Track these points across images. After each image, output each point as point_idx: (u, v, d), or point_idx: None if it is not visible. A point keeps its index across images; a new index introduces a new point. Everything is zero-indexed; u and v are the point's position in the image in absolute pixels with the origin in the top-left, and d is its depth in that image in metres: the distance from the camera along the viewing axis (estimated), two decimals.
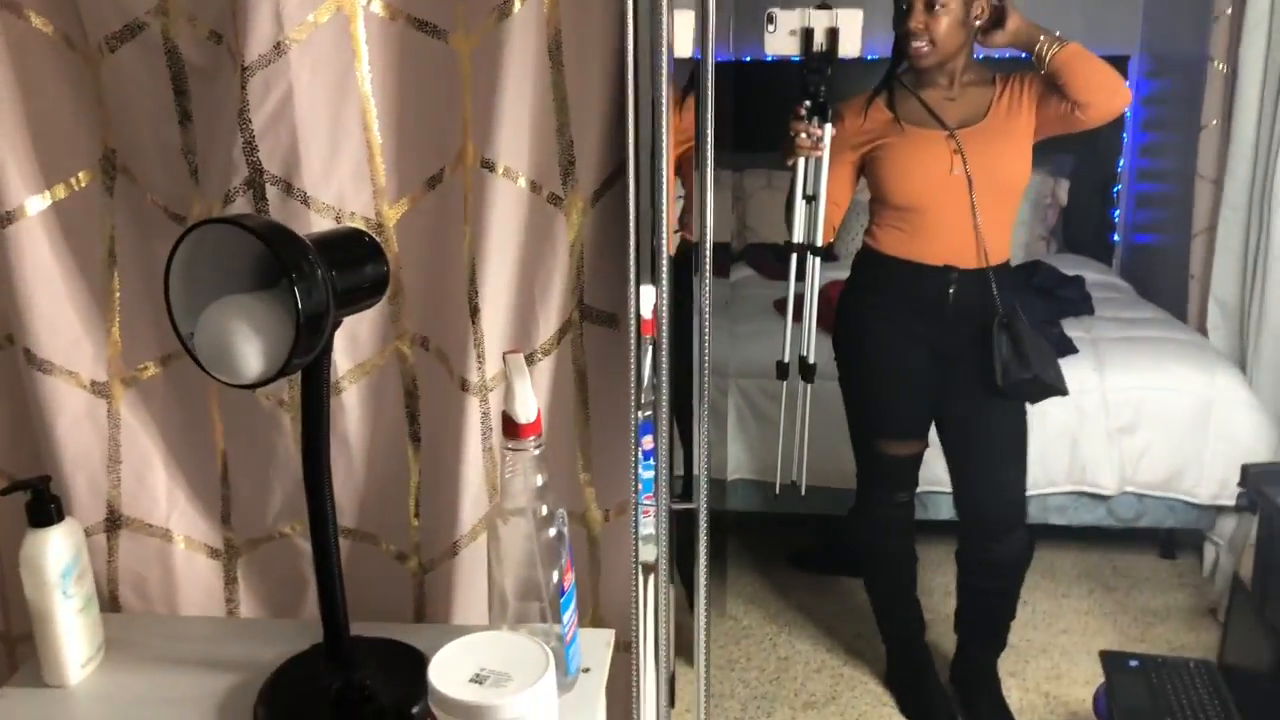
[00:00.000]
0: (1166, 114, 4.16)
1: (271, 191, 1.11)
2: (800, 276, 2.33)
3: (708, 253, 1.20)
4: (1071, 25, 4.23)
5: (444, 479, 1.21)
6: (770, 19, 2.06)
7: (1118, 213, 4.48)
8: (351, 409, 1.20)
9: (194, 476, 1.27)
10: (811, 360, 2.38)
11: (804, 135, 2.14)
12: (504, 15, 1.07)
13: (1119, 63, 4.30)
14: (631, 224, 1.12)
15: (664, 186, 1.13)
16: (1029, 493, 3.02)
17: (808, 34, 2.06)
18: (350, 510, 1.25)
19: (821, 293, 2.78)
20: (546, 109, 1.12)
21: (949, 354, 2.29)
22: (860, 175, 2.30)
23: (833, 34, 2.05)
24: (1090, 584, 3.13)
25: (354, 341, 1.18)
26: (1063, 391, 2.26)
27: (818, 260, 2.29)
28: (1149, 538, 3.28)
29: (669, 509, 1.22)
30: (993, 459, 2.36)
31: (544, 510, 1.05)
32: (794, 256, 2.32)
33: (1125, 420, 2.99)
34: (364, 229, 1.09)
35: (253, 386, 0.88)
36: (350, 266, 0.94)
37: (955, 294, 2.22)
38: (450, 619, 1.25)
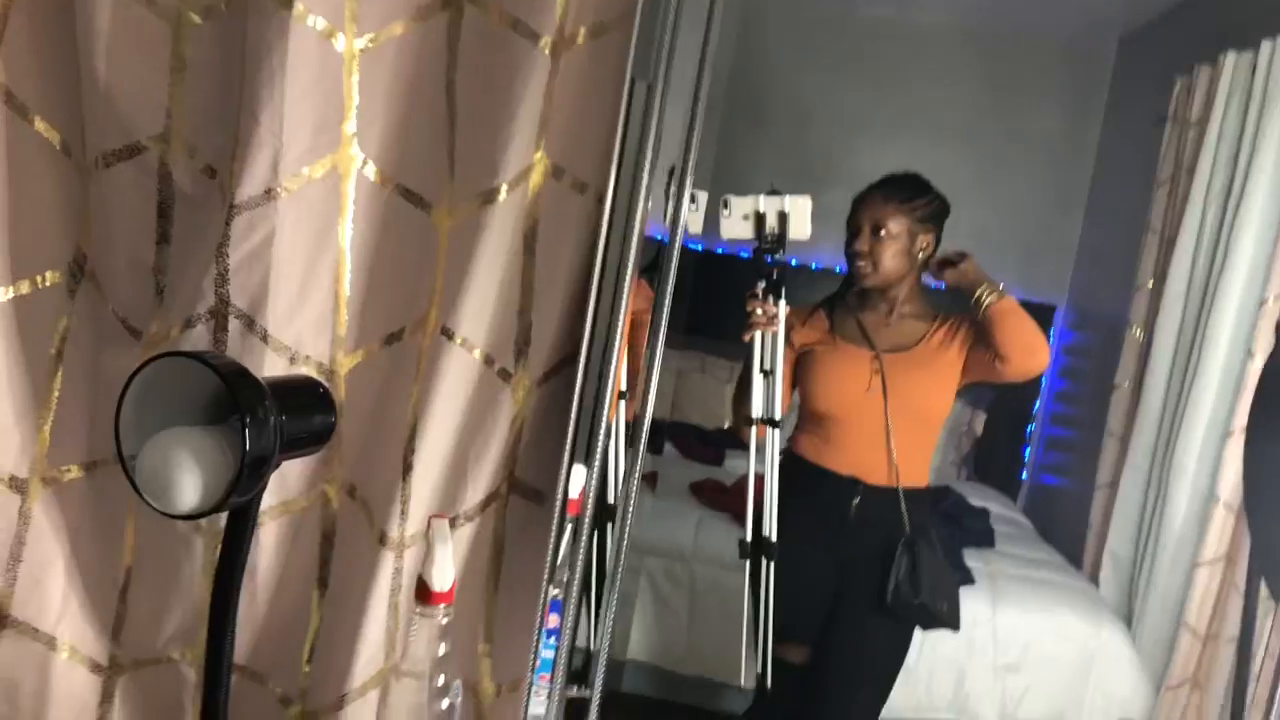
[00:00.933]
0: (1084, 366, 4.38)
1: (233, 325, 1.14)
2: (760, 452, 2.34)
3: (644, 433, 1.25)
4: (1007, 269, 4.54)
5: (344, 629, 1.21)
6: (725, 204, 2.18)
7: (1028, 451, 4.65)
8: (265, 544, 1.21)
9: (93, 587, 1.25)
10: (774, 539, 2.30)
11: (760, 312, 2.23)
12: (488, 201, 1.14)
13: (1046, 312, 4.55)
14: (574, 409, 1.17)
15: (611, 376, 1.19)
16: (913, 717, 3.05)
17: (760, 218, 2.18)
18: (244, 645, 1.24)
19: (722, 485, 2.83)
20: (512, 290, 1.18)
21: (849, 565, 2.32)
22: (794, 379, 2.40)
23: (783, 218, 2.17)
24: None
25: (282, 479, 1.20)
26: (953, 627, 2.29)
27: (777, 433, 2.31)
28: None
29: (562, 692, 1.23)
30: (858, 678, 2.34)
31: (441, 680, 1.06)
32: (753, 430, 2.33)
33: (1012, 658, 3.05)
34: (319, 379, 1.12)
35: (184, 518, 0.89)
36: (300, 413, 0.97)
37: (859, 506, 2.29)
38: None
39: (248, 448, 0.87)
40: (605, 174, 1.14)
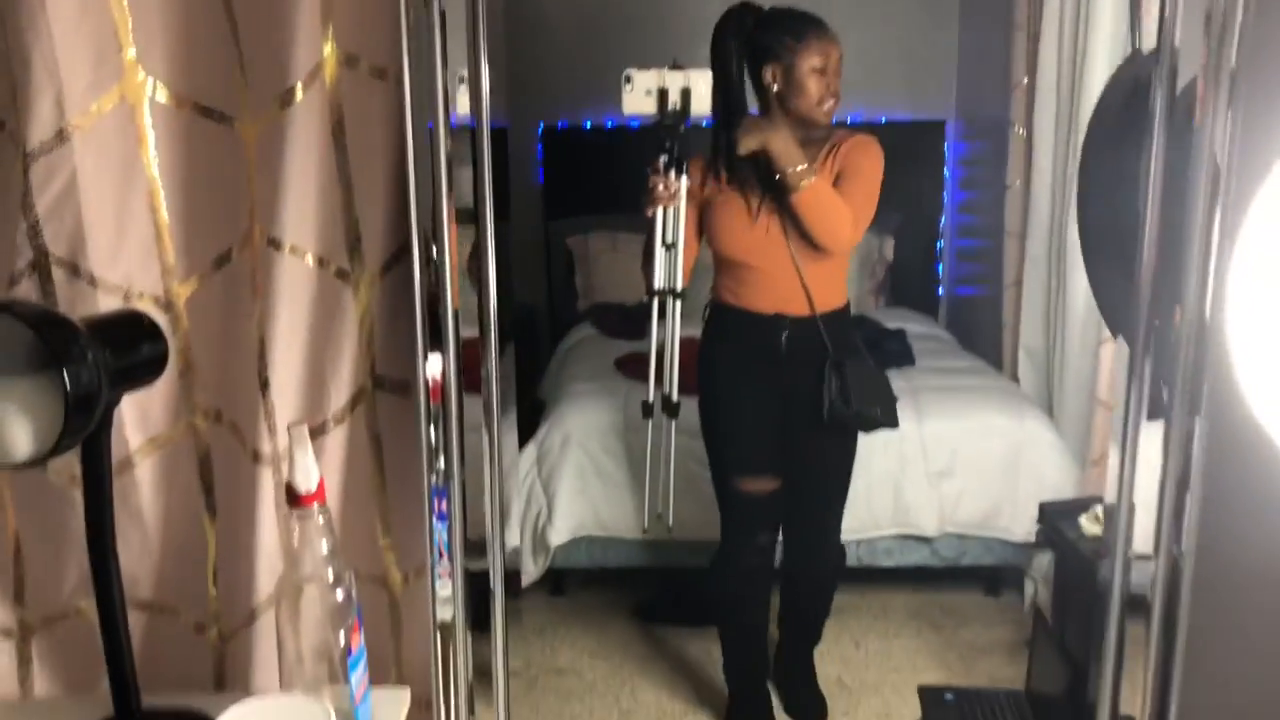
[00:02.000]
0: (979, 174, 4.43)
1: (57, 273, 1.14)
2: (662, 319, 2.45)
3: (492, 311, 1.26)
4: (891, 89, 4.54)
5: (240, 548, 1.24)
6: (628, 79, 2.18)
7: (941, 267, 4.73)
8: (145, 483, 1.22)
9: None
10: (675, 399, 2.50)
11: (661, 188, 2.28)
12: (286, 103, 1.13)
13: (935, 129, 4.59)
14: (416, 295, 1.18)
15: (447, 253, 1.20)
16: (858, 536, 3.17)
17: (663, 94, 2.18)
18: (147, 583, 1.26)
19: (645, 357, 2.88)
20: (331, 188, 1.17)
21: (787, 394, 2.48)
22: (700, 230, 2.47)
23: (686, 94, 2.18)
24: (919, 623, 3.27)
25: (146, 416, 1.21)
26: (891, 425, 2.48)
27: (679, 303, 2.41)
28: (974, 576, 3.43)
29: (464, 570, 1.27)
30: (819, 482, 2.60)
31: (331, 574, 1.09)
32: (655, 301, 2.45)
33: (943, 464, 3.16)
34: (141, 310, 1.12)
35: (24, 466, 0.91)
36: (126, 347, 0.98)
37: (788, 339, 2.41)
38: (250, 688, 1.26)
39: (69, 388, 0.88)
40: (399, 54, 1.13)
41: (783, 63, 2.34)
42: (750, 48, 2.35)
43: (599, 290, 4.46)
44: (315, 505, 1.06)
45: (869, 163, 2.39)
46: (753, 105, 2.43)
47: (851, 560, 3.22)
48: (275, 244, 1.16)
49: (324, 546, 1.08)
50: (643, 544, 3.24)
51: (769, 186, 2.36)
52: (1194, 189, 1.14)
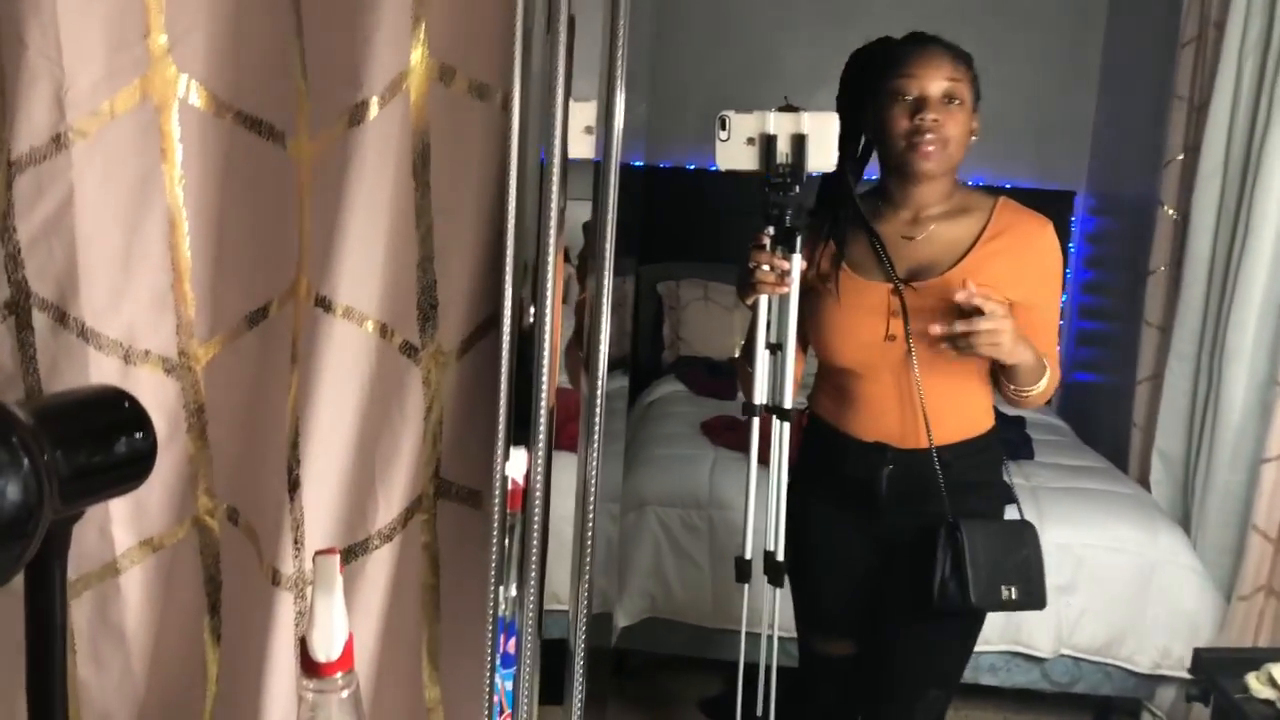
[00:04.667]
0: (1112, 253, 4.10)
1: (39, 320, 0.87)
2: (764, 447, 1.81)
3: (600, 394, 0.95)
4: (1022, 158, 4.22)
5: (245, 691, 0.95)
6: (723, 124, 1.65)
7: (1060, 350, 4.37)
8: (132, 595, 0.95)
9: None
10: (780, 557, 1.82)
11: (766, 268, 1.69)
12: (357, 120, 0.86)
13: (1065, 199, 4.27)
14: (503, 382, 0.89)
15: (546, 333, 0.90)
16: None
17: (769, 143, 1.64)
18: (125, 718, 0.98)
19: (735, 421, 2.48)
20: (406, 238, 0.90)
21: (888, 548, 1.87)
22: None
23: (799, 142, 1.64)
24: None
25: (141, 511, 0.94)
26: (1036, 607, 1.79)
27: (785, 427, 1.79)
28: (1083, 704, 3.07)
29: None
30: (919, 682, 1.93)
31: None
32: (755, 423, 1.81)
33: (1064, 578, 2.80)
34: (123, 390, 0.84)
35: None
36: (89, 441, 0.70)
37: (889, 477, 1.80)
38: None
39: None
40: (510, 70, 0.85)
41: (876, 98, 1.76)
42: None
43: (687, 343, 4.19)
44: (339, 674, 0.77)
45: (1053, 272, 1.79)
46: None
47: None
48: (325, 304, 0.88)
49: None
50: (716, 633, 2.93)
51: (908, 270, 1.77)
52: None
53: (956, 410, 1.78)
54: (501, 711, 1.01)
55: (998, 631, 2.82)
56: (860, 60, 1.80)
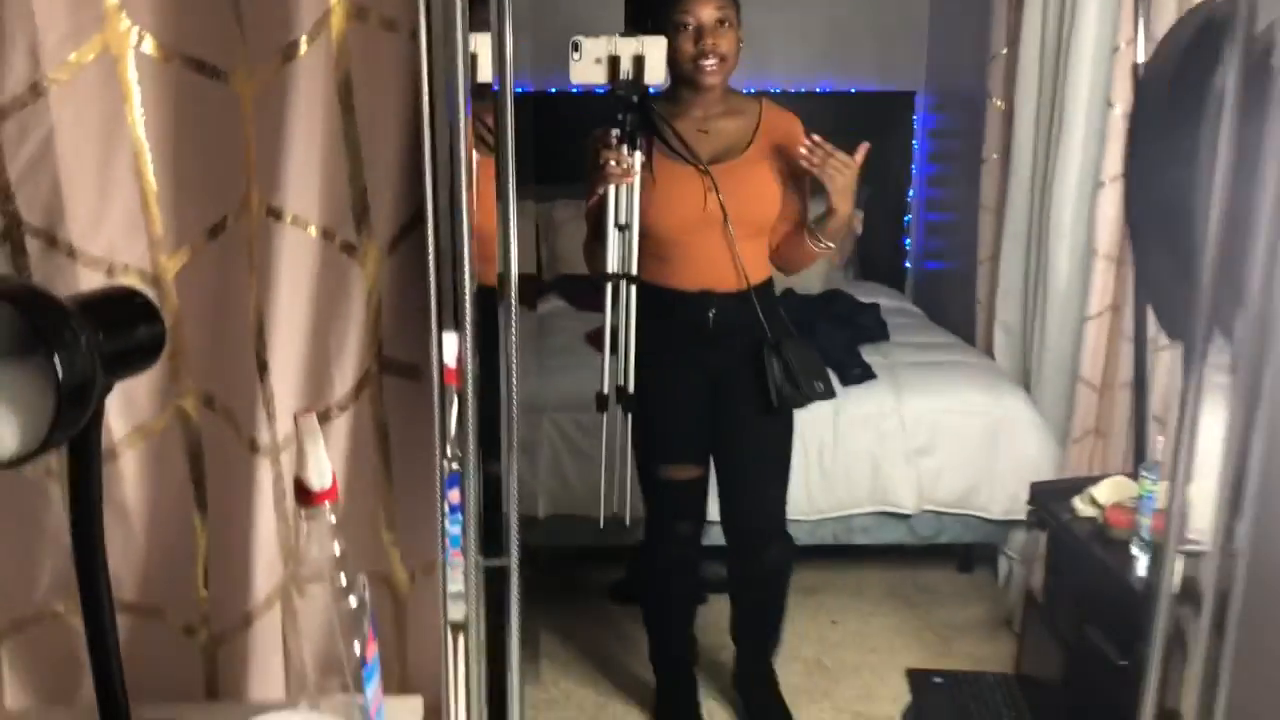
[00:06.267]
0: (951, 147, 4.39)
1: (32, 244, 1.02)
2: (615, 306, 2.27)
3: (513, 287, 1.15)
4: (861, 61, 4.47)
5: (234, 546, 1.13)
6: (575, 47, 2.04)
7: (909, 241, 4.69)
8: (130, 476, 1.11)
9: None
10: (631, 390, 2.31)
11: (614, 163, 2.11)
12: (289, 57, 1.02)
13: (905, 99, 4.53)
14: (431, 270, 1.08)
15: (465, 228, 1.09)
16: (835, 514, 3.13)
17: (614, 62, 2.03)
18: (131, 583, 1.16)
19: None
20: (338, 154, 1.07)
21: (719, 376, 2.36)
22: None
23: (639, 61, 2.03)
24: (895, 601, 3.24)
25: (130, 403, 1.10)
26: (830, 396, 2.37)
27: (633, 289, 2.24)
28: (948, 554, 3.42)
29: (479, 565, 1.18)
30: (762, 475, 2.44)
31: (343, 579, 0.99)
32: (608, 286, 2.26)
33: (922, 442, 3.12)
34: (136, 287, 1.01)
35: (9, 466, 0.80)
36: (120, 329, 0.86)
37: (715, 316, 2.30)
38: (246, 695, 1.17)
39: (61, 376, 0.77)
40: (415, 5, 1.03)
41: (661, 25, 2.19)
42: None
43: (564, 261, 4.35)
44: (328, 504, 0.96)
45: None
46: None
47: (827, 538, 3.19)
48: (275, 214, 1.05)
49: (335, 549, 0.99)
50: (616, 523, 3.17)
51: (709, 156, 2.25)
52: (1268, 157, 1.08)
53: (756, 259, 2.30)
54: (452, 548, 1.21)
55: (866, 493, 3.13)
56: None
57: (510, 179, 1.11)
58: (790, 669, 2.85)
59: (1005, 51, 3.40)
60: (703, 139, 2.25)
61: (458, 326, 1.11)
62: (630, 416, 2.30)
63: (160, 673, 1.16)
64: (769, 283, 2.37)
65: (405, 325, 1.13)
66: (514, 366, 1.19)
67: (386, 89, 1.06)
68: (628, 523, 2.44)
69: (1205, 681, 1.27)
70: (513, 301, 1.15)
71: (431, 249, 1.07)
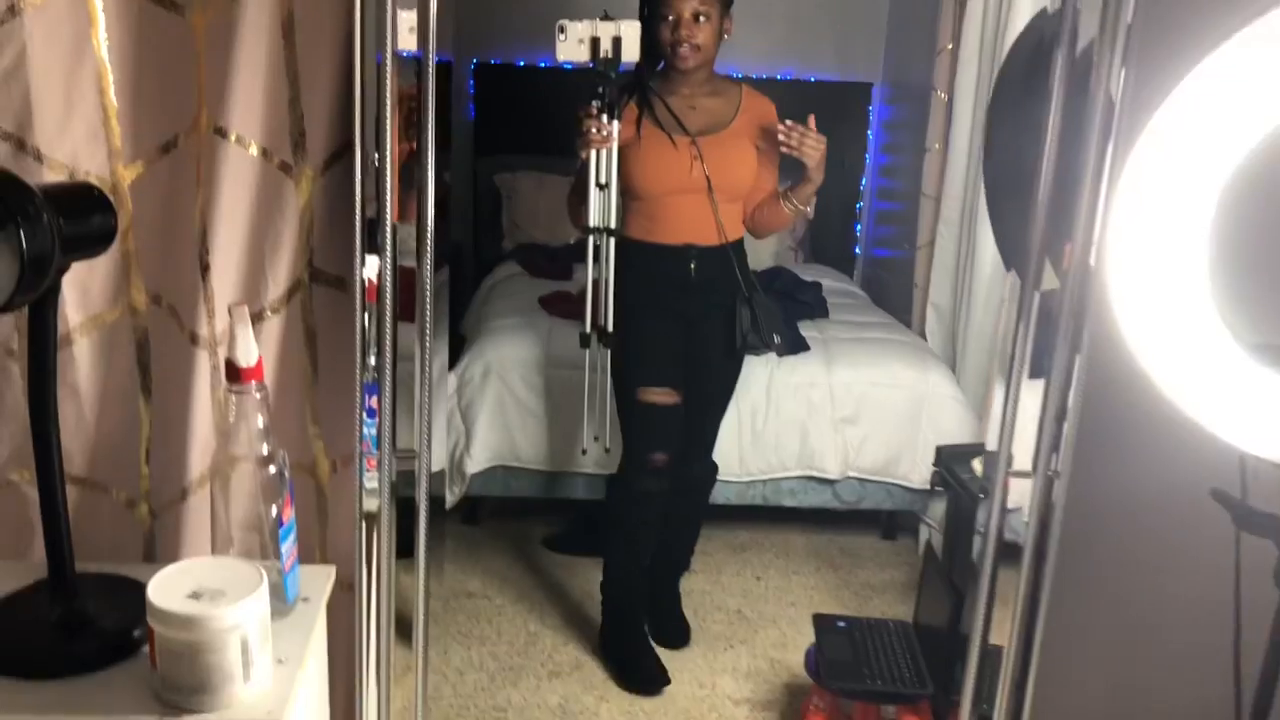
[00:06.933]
0: (902, 138, 4.55)
1: (3, 147, 1.17)
2: (597, 258, 2.57)
3: (429, 232, 1.30)
4: (822, 53, 4.63)
5: (174, 428, 1.28)
6: (562, 29, 2.34)
7: (859, 227, 4.86)
8: (83, 361, 1.26)
9: None
10: (610, 329, 2.62)
11: (595, 130, 2.40)
12: None
13: (863, 91, 4.69)
14: (357, 193, 1.23)
15: (388, 162, 1.24)
16: (765, 476, 3.29)
17: (595, 42, 2.34)
18: (81, 459, 1.30)
19: (569, 295, 2.99)
20: (279, 82, 1.22)
21: (693, 320, 2.66)
22: None
23: (617, 42, 2.34)
24: (818, 562, 3.41)
25: (86, 295, 1.24)
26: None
27: (612, 241, 2.54)
28: (872, 520, 3.59)
29: (392, 461, 1.33)
30: (711, 405, 2.82)
31: (265, 450, 1.14)
32: (590, 239, 2.56)
33: (849, 412, 3.28)
34: (92, 183, 1.15)
35: None
36: (78, 215, 1.01)
37: (696, 267, 2.60)
38: (178, 560, 1.31)
39: (24, 246, 0.92)
40: None
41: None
42: None
43: (525, 230, 4.49)
44: (253, 382, 1.11)
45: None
46: None
47: (757, 499, 3.35)
48: (221, 132, 1.20)
49: (259, 423, 1.14)
50: (556, 476, 3.33)
51: (696, 128, 2.52)
52: (1088, 135, 1.25)
53: (733, 220, 2.62)
54: (368, 450, 1.36)
55: (794, 458, 3.29)
56: None
57: (430, 136, 1.25)
58: (713, 617, 3.02)
59: (950, 46, 3.56)
60: (690, 114, 2.55)
61: (378, 250, 1.26)
62: (610, 353, 2.63)
63: (103, 540, 1.31)
64: (742, 242, 2.67)
65: (334, 241, 1.28)
66: (429, 286, 1.33)
67: (324, 27, 1.21)
68: (607, 446, 2.79)
69: (1026, 606, 1.45)
70: (429, 236, 1.29)
71: (358, 175, 1.23)
